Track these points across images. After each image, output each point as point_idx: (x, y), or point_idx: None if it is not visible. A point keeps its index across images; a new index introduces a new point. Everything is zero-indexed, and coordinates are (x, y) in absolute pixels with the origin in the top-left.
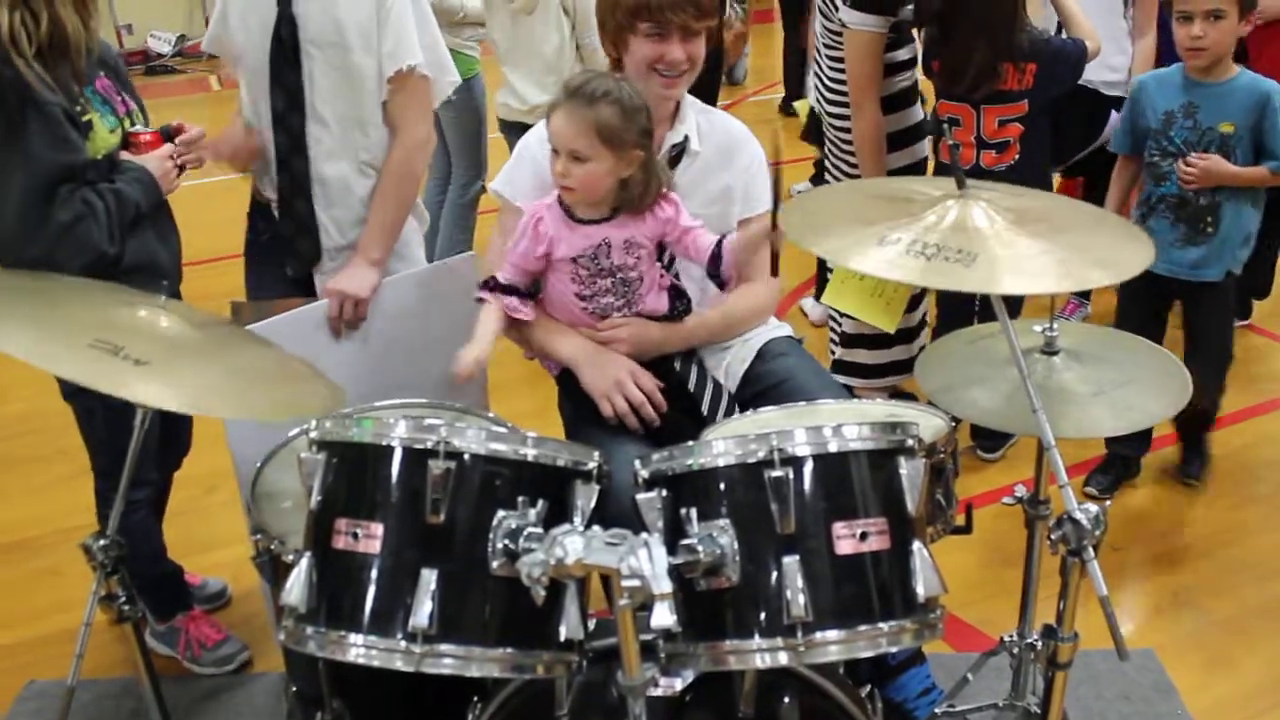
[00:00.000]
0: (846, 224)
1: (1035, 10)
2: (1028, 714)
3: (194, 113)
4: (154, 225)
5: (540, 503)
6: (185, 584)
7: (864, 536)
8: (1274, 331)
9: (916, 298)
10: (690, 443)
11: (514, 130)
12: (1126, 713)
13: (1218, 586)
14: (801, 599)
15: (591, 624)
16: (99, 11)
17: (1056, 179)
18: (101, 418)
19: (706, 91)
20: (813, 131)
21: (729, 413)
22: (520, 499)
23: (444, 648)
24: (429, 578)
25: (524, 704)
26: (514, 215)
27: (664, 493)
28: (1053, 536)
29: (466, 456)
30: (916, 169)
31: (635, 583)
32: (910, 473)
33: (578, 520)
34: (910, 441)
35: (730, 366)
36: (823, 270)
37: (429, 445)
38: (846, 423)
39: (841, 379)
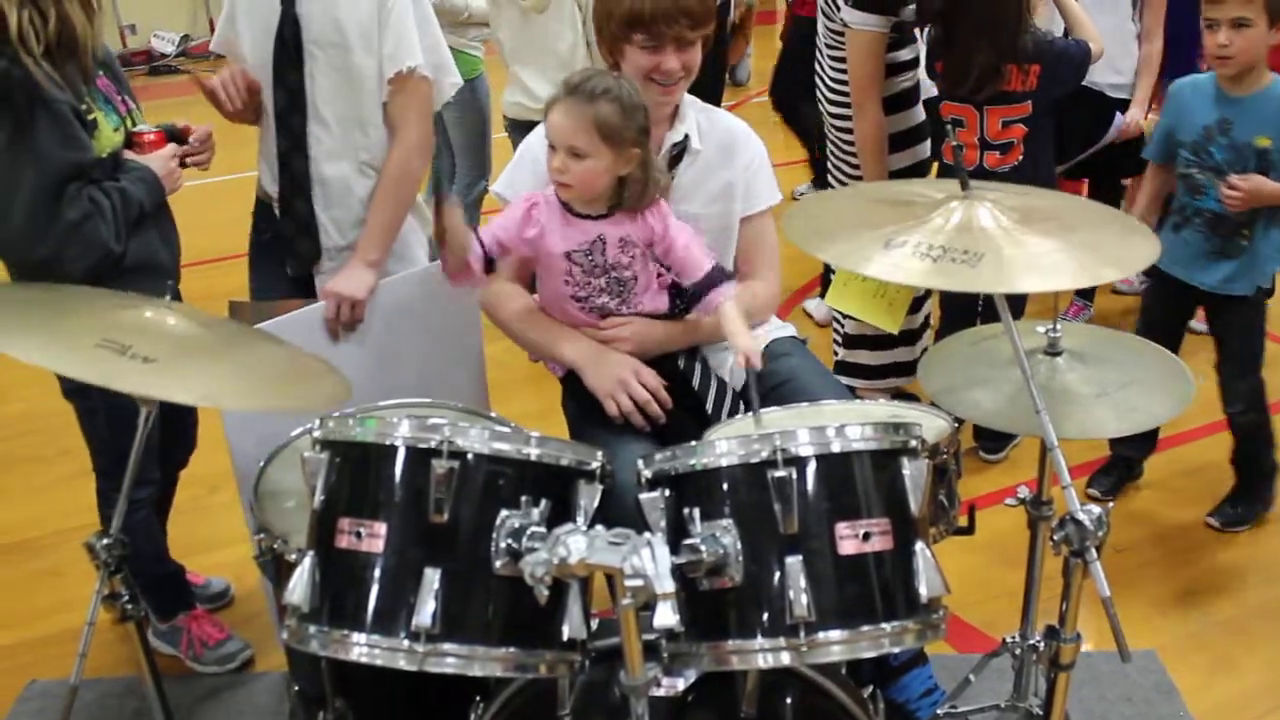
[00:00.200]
0: (851, 228)
1: (1043, 13)
2: (1030, 715)
3: (197, 113)
4: (156, 225)
5: (543, 502)
6: (187, 583)
7: (867, 537)
8: (1277, 333)
9: (919, 300)
10: (693, 443)
11: (523, 130)
12: (1128, 714)
13: (1220, 588)
14: (804, 599)
15: (594, 624)
16: (103, 10)
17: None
18: (103, 417)
19: (710, 93)
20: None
21: (733, 411)
22: (523, 498)
23: (447, 647)
24: (432, 577)
25: (527, 703)
26: None
27: (667, 492)
28: (1055, 537)
29: (470, 456)
30: (919, 170)
31: (638, 582)
32: (913, 473)
33: (581, 520)
34: (913, 442)
35: (733, 366)
36: (828, 270)
37: (432, 444)
38: (850, 423)
39: (844, 380)
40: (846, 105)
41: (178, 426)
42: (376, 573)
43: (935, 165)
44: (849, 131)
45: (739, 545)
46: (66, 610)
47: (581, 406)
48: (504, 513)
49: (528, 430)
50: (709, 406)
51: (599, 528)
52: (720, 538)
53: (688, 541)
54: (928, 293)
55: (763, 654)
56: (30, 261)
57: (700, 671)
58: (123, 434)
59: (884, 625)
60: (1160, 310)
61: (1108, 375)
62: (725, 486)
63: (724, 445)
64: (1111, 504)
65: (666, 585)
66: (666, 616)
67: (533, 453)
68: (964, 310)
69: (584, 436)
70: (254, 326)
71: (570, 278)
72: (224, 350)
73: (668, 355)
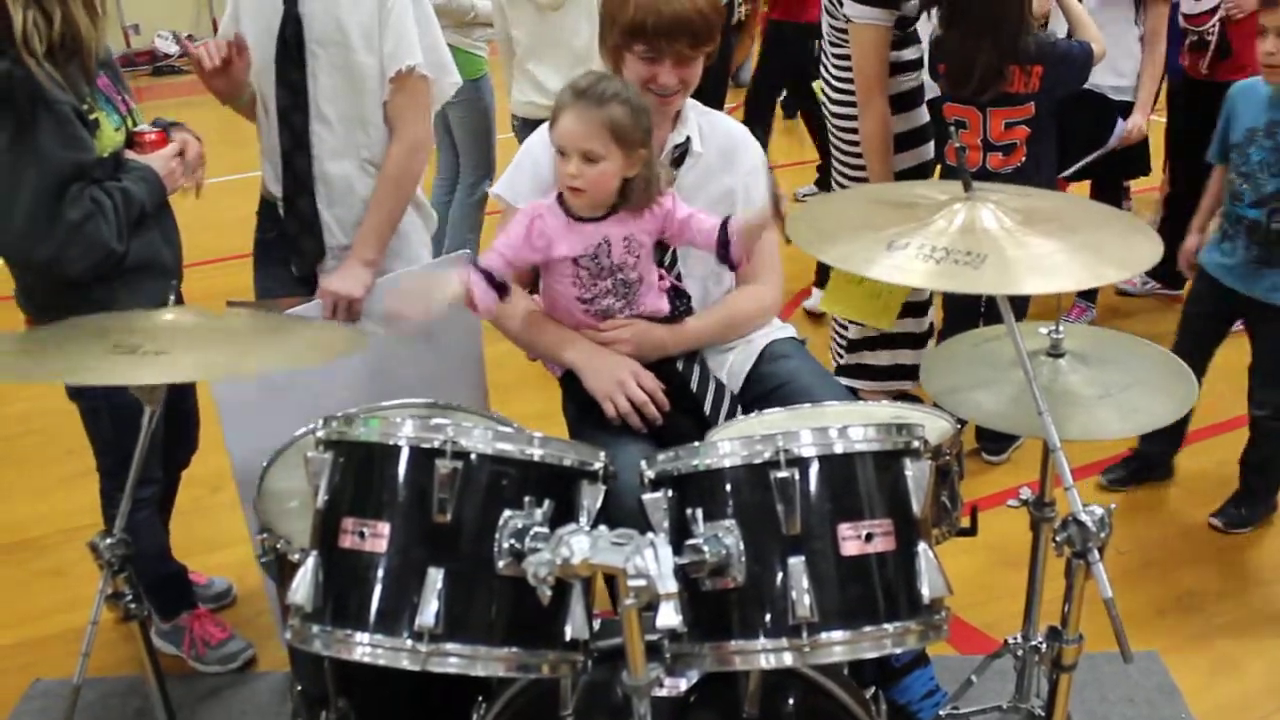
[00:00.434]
0: (854, 230)
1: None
2: (1032, 716)
3: (200, 113)
4: (158, 224)
5: (546, 502)
6: (189, 583)
7: (869, 538)
8: None
9: (924, 305)
10: (696, 443)
11: (534, 129)
12: (1130, 715)
13: (1222, 589)
14: (807, 599)
15: (597, 624)
16: (106, 12)
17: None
18: (107, 417)
19: (713, 95)
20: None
21: (731, 414)
22: (526, 499)
23: (450, 647)
24: (435, 577)
25: (529, 704)
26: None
27: (670, 493)
28: (1058, 539)
29: (473, 456)
30: (922, 171)
31: (641, 583)
32: (916, 474)
33: (584, 520)
34: (916, 443)
35: (733, 368)
36: (824, 267)
37: (436, 445)
38: (852, 424)
39: (847, 382)
40: (849, 105)
41: (180, 427)
42: (380, 572)
43: (938, 168)
44: (852, 132)
45: (741, 546)
46: (69, 610)
47: (581, 408)
48: (507, 513)
49: (531, 431)
50: (707, 408)
51: (602, 528)
52: (723, 538)
53: (690, 542)
54: (931, 297)
55: (765, 654)
56: (32, 262)
57: (703, 672)
58: (126, 434)
59: (886, 626)
60: (1200, 318)
61: (1110, 377)
62: (728, 487)
63: (727, 446)
64: (1114, 505)
65: (669, 585)
66: (669, 617)
67: (536, 453)
68: (967, 312)
69: (584, 438)
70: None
71: (577, 280)
72: (233, 336)
73: (667, 358)
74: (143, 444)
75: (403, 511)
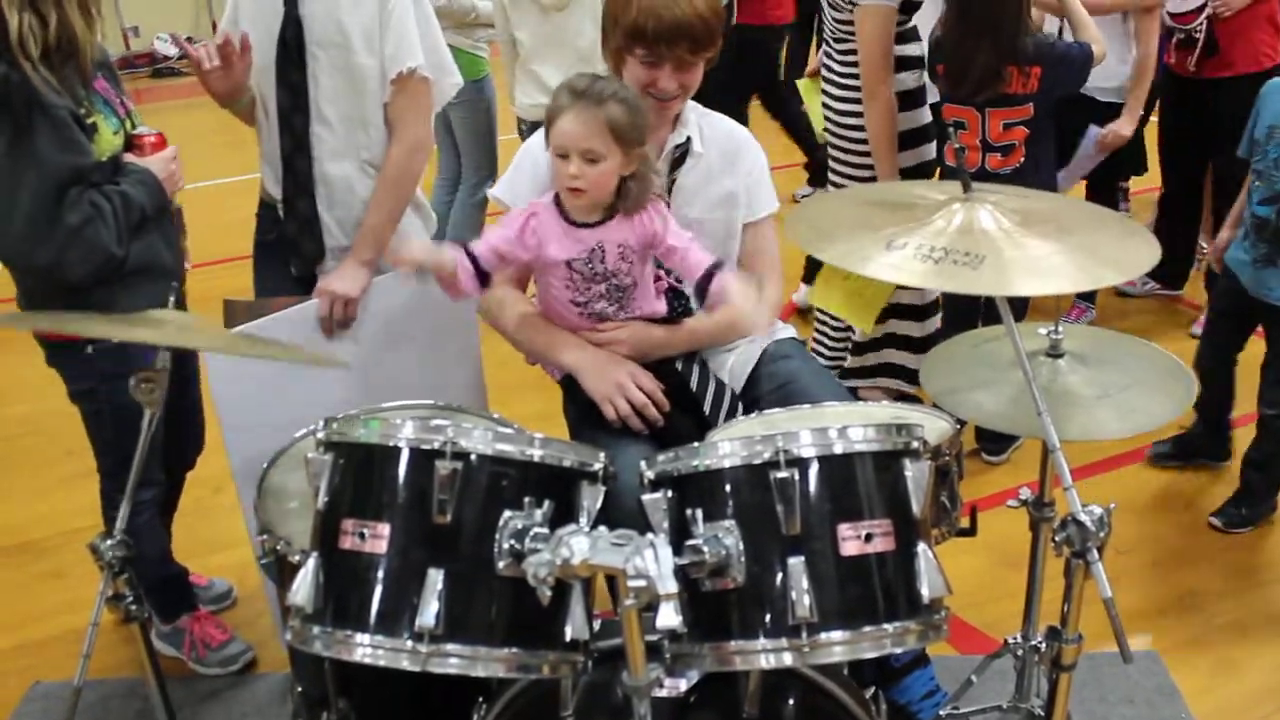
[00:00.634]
0: (853, 229)
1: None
2: (1032, 716)
3: (199, 115)
4: (158, 227)
5: (546, 503)
6: (190, 585)
7: (869, 538)
8: None
9: (928, 308)
10: (696, 444)
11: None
12: (1130, 715)
13: (1222, 589)
14: (806, 600)
15: (597, 624)
16: (103, 15)
17: None
18: (108, 418)
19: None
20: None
21: (732, 413)
22: (526, 499)
23: (450, 648)
24: (435, 578)
25: (529, 704)
26: None
27: (669, 494)
28: (1057, 539)
29: (473, 457)
30: (924, 170)
31: (641, 583)
32: (915, 475)
33: (584, 521)
34: (915, 444)
35: (733, 368)
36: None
37: (436, 446)
38: (852, 424)
39: (848, 383)
40: (852, 101)
41: (186, 427)
42: (380, 573)
43: (938, 169)
44: (853, 129)
45: (741, 546)
46: (70, 612)
47: (581, 410)
48: (507, 514)
49: (531, 432)
50: (707, 408)
51: (602, 529)
52: (723, 538)
53: (690, 542)
54: (936, 301)
55: (765, 654)
56: (33, 266)
57: (703, 672)
58: (127, 436)
59: (886, 626)
60: (1224, 322)
61: (1109, 377)
62: (728, 487)
63: (726, 446)
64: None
65: (669, 586)
66: (669, 617)
67: (536, 454)
68: (966, 312)
69: (584, 439)
70: (244, 327)
71: (571, 283)
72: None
73: (666, 358)
74: (142, 447)
75: (403, 512)
